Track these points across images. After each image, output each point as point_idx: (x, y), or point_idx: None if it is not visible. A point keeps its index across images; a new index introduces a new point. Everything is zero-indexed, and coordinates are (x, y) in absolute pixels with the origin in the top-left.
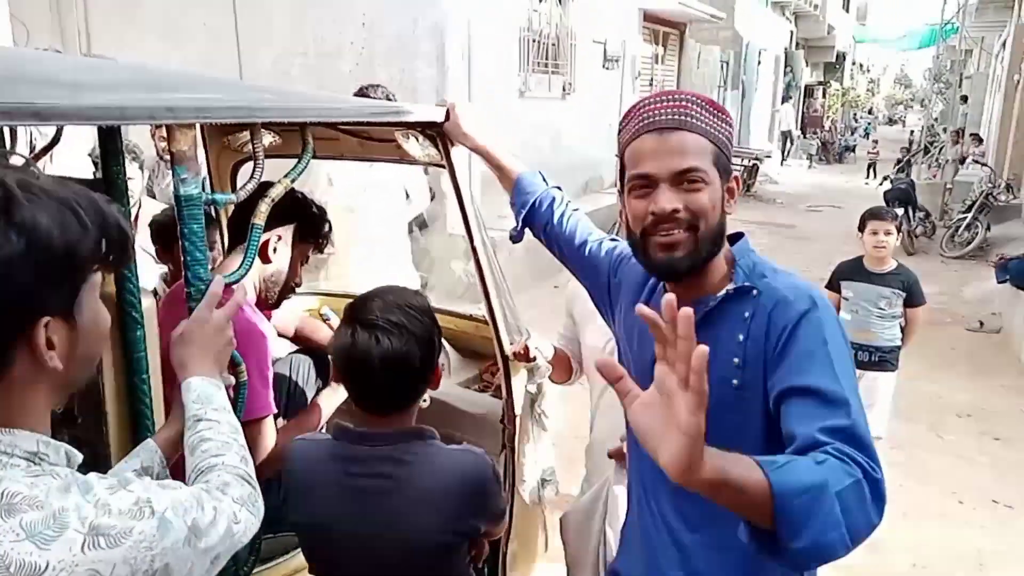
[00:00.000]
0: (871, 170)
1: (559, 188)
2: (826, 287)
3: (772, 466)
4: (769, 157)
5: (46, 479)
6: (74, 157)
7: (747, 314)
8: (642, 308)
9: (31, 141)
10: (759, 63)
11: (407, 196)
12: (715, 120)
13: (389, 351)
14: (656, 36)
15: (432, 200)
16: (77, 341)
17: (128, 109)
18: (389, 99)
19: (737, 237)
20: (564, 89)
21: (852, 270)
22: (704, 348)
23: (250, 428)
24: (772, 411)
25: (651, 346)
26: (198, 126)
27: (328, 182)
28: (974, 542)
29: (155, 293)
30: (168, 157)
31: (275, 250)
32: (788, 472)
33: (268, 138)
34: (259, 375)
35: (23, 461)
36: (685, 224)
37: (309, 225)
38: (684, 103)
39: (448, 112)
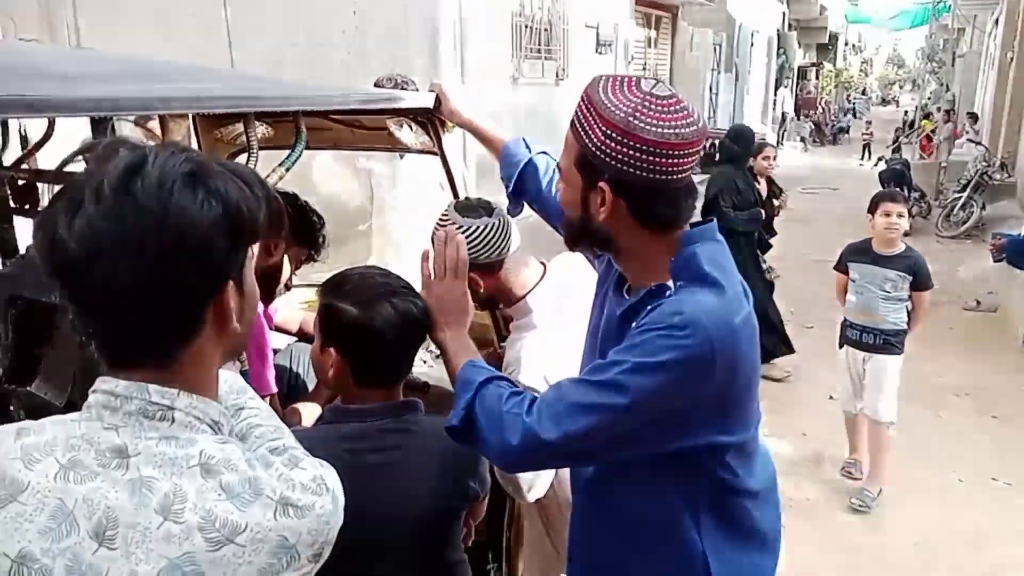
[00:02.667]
0: (866, 151)
1: (545, 152)
2: (834, 268)
3: (473, 366)
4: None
5: (231, 446)
6: (63, 153)
7: (648, 308)
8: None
9: (23, 134)
10: (752, 45)
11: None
12: (585, 117)
13: (424, 309)
14: (649, 20)
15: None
16: (244, 306)
17: (121, 100)
18: (404, 88)
19: (698, 226)
20: (557, 75)
21: (859, 251)
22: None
23: None
24: None
25: (599, 312)
26: (191, 117)
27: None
28: (974, 520)
29: None
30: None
31: (277, 246)
32: (473, 371)
33: (260, 129)
34: (258, 355)
35: (209, 428)
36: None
37: (306, 230)
38: (580, 99)
39: (438, 97)
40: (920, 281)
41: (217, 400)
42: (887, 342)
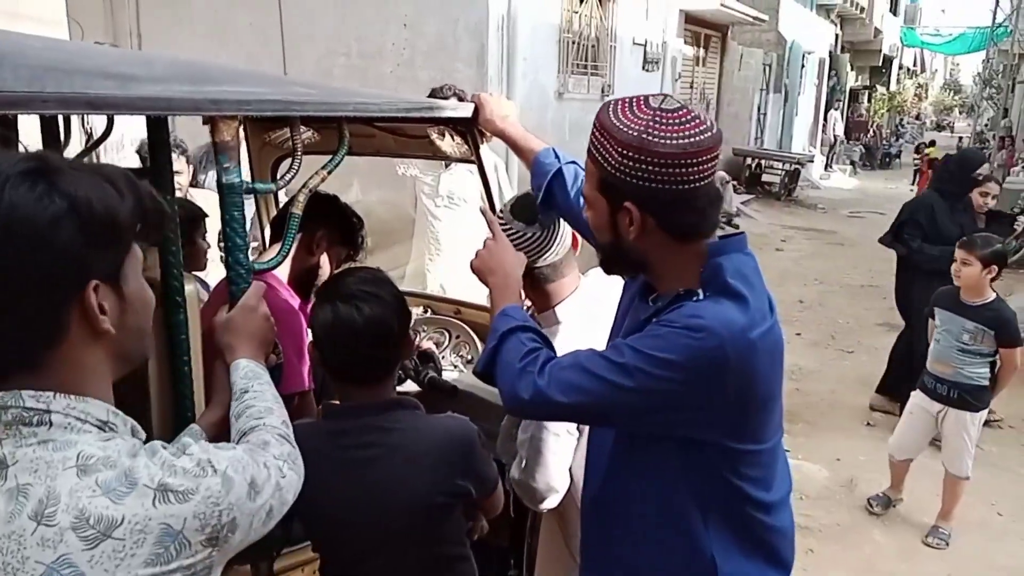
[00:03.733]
0: (917, 177)
1: (574, 162)
2: (926, 313)
3: (504, 315)
4: (811, 161)
5: (117, 442)
6: (125, 154)
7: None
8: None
9: (89, 131)
10: (803, 66)
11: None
12: (600, 143)
13: (372, 318)
14: (698, 38)
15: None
16: (126, 310)
17: (175, 100)
18: (460, 98)
19: (728, 239)
20: (603, 91)
21: (946, 297)
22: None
23: (287, 402)
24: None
25: (622, 319)
26: (240, 120)
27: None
28: (1012, 555)
29: None
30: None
31: (318, 245)
32: (501, 320)
33: (306, 134)
34: (295, 351)
35: (95, 428)
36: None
37: (346, 230)
38: (593, 124)
39: (476, 108)
40: (1004, 337)
41: (109, 400)
42: (962, 397)
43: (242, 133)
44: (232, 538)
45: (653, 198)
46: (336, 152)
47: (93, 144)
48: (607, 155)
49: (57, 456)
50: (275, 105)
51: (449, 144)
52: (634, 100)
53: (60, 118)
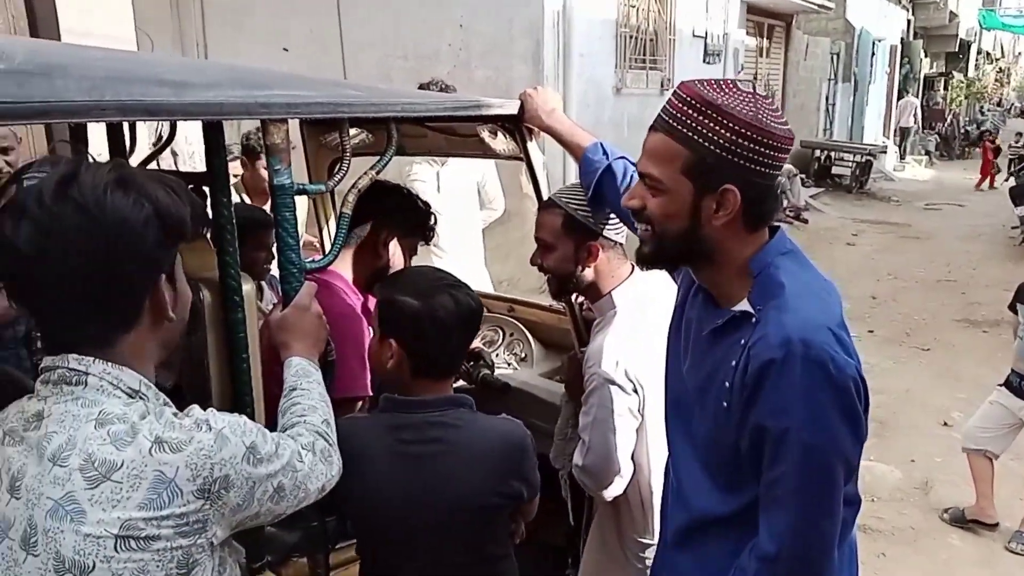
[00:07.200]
0: (1011, 165)
1: (624, 158)
2: (1008, 307)
3: None
4: (884, 152)
5: (137, 405)
6: (195, 161)
7: (743, 340)
8: None
9: (159, 134)
10: (873, 54)
11: (479, 197)
12: (707, 125)
13: (467, 307)
14: (761, 28)
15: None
16: (177, 301)
17: (226, 105)
18: (444, 90)
19: (768, 244)
20: (662, 85)
21: None
22: None
23: (346, 406)
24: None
25: (679, 318)
26: (297, 123)
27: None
28: None
29: None
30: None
31: (384, 244)
32: None
33: (361, 136)
34: (356, 356)
35: (123, 394)
36: (645, 220)
37: (416, 220)
38: (680, 103)
39: (522, 104)
40: None
41: (149, 376)
42: None
43: (300, 136)
44: (227, 496)
45: (756, 182)
46: (384, 152)
47: (157, 150)
48: (713, 135)
49: (84, 412)
50: (323, 107)
51: (500, 142)
52: (720, 81)
53: (125, 125)
